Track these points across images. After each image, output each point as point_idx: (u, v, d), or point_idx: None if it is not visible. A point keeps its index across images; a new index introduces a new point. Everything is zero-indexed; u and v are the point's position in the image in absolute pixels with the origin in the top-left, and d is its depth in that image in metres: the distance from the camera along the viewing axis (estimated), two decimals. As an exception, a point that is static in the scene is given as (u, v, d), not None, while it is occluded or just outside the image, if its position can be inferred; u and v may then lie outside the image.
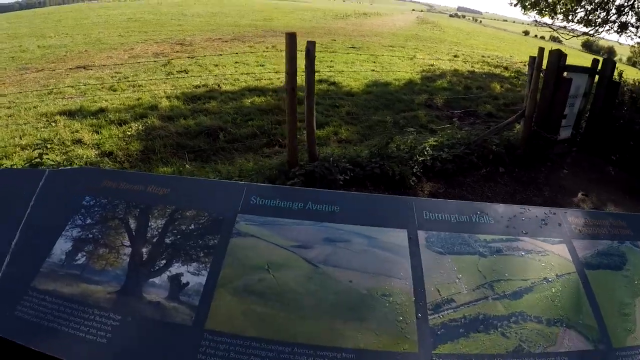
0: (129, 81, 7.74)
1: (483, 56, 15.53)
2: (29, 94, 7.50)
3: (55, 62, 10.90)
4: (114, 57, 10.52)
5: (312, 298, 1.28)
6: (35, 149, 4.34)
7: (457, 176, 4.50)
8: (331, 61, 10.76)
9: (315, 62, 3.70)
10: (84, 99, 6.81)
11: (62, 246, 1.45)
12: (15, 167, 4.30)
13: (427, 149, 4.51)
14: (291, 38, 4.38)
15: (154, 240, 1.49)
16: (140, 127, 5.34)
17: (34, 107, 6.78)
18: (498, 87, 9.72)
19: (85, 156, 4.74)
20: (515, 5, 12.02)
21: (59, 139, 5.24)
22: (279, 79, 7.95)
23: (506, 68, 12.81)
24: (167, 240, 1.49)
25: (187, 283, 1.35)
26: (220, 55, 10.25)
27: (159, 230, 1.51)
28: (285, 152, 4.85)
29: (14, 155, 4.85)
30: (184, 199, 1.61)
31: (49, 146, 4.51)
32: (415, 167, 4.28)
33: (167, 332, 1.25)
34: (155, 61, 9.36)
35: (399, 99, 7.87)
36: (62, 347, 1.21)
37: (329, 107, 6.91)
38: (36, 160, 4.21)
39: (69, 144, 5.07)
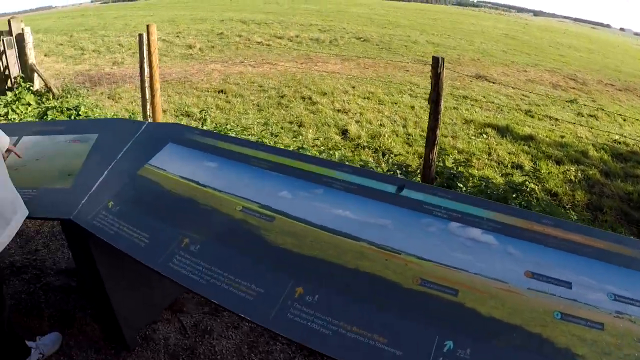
0: (540, 109, 7.63)
1: None
2: (444, 93, 8.37)
3: (451, 63, 11.92)
4: (509, 75, 10.75)
5: None
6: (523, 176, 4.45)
7: None
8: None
9: None
10: (504, 117, 7.08)
11: None
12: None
13: None
14: None
15: None
16: (579, 174, 5.09)
17: (453, 108, 7.49)
18: None
19: (529, 188, 4.82)
20: None
21: (497, 156, 5.53)
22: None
23: None
24: None
25: None
26: (621, 106, 8.89)
27: None
28: None
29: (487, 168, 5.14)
30: None
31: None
32: None
33: None
34: (555, 93, 8.92)
35: None
36: None
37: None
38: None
39: (507, 165, 5.28)
